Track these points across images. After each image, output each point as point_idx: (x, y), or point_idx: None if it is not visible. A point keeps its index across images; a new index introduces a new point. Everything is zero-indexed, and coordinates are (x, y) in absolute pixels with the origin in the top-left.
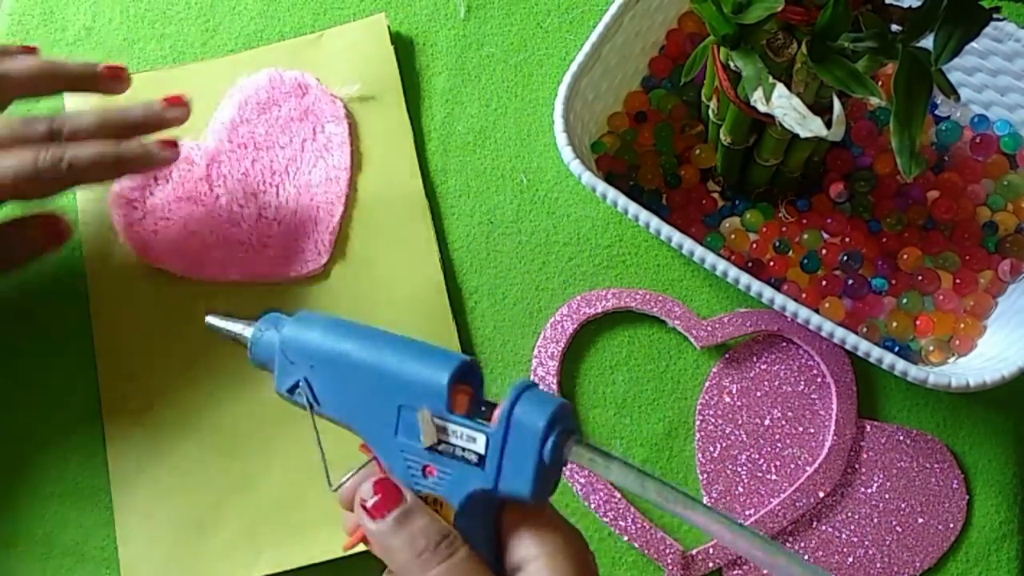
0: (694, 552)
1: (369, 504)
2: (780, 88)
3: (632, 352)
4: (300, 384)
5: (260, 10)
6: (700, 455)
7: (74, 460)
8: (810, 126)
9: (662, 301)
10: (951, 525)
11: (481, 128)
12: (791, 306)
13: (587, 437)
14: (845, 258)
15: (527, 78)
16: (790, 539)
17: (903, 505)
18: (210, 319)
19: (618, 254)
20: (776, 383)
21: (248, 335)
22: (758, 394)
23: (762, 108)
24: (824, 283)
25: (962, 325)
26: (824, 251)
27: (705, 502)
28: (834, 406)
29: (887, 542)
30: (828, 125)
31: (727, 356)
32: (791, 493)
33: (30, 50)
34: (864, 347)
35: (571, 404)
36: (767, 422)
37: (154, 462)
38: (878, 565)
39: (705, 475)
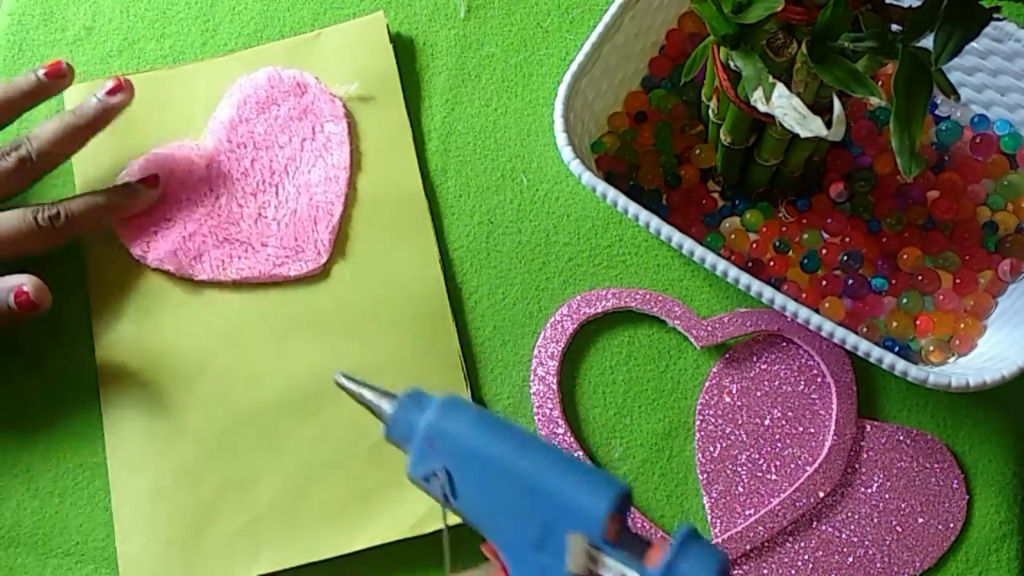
0: None
1: None
2: (780, 88)
3: (632, 352)
4: (438, 474)
5: (260, 10)
6: (700, 455)
7: (73, 459)
8: (810, 126)
9: (662, 301)
10: (951, 525)
11: (481, 128)
12: (791, 306)
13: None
14: (845, 258)
15: (527, 78)
16: (790, 539)
17: (903, 505)
18: (341, 380)
19: (618, 254)
20: (776, 383)
21: (388, 410)
22: (758, 394)
23: (762, 108)
24: (824, 283)
25: (962, 325)
26: (824, 251)
27: (705, 502)
28: (834, 406)
29: (887, 542)
30: (828, 125)
31: (727, 356)
32: (791, 493)
33: (55, 73)
34: (864, 347)
35: (727, 558)
36: (767, 422)
37: (153, 462)
38: (878, 565)
39: (705, 475)
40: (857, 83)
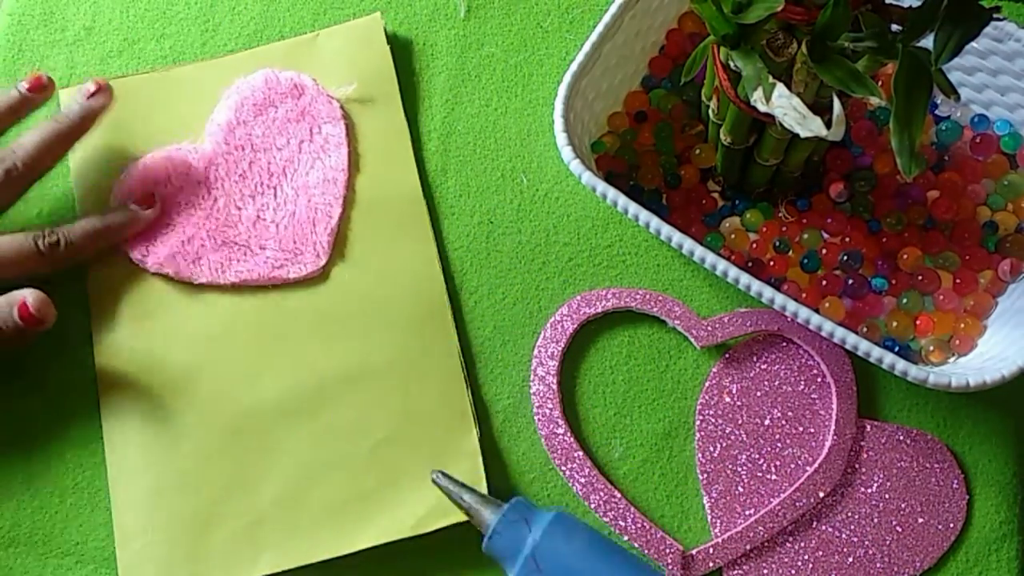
0: (694, 552)
1: None
2: (780, 88)
3: (632, 352)
4: None
5: (260, 10)
6: (700, 455)
7: (73, 460)
8: (810, 126)
9: (662, 301)
10: (951, 525)
11: (481, 128)
12: (791, 306)
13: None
14: (845, 258)
15: (527, 78)
16: (790, 539)
17: (903, 505)
18: (440, 480)
19: (618, 254)
20: (776, 383)
21: (489, 518)
22: (758, 394)
23: (762, 108)
24: (824, 283)
25: (962, 325)
26: (824, 251)
27: (705, 502)
28: (834, 406)
29: (887, 542)
30: (828, 125)
31: (727, 356)
32: (791, 493)
33: (37, 87)
34: (864, 347)
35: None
36: (767, 422)
37: (153, 462)
38: (878, 565)
39: (705, 475)
40: (857, 83)
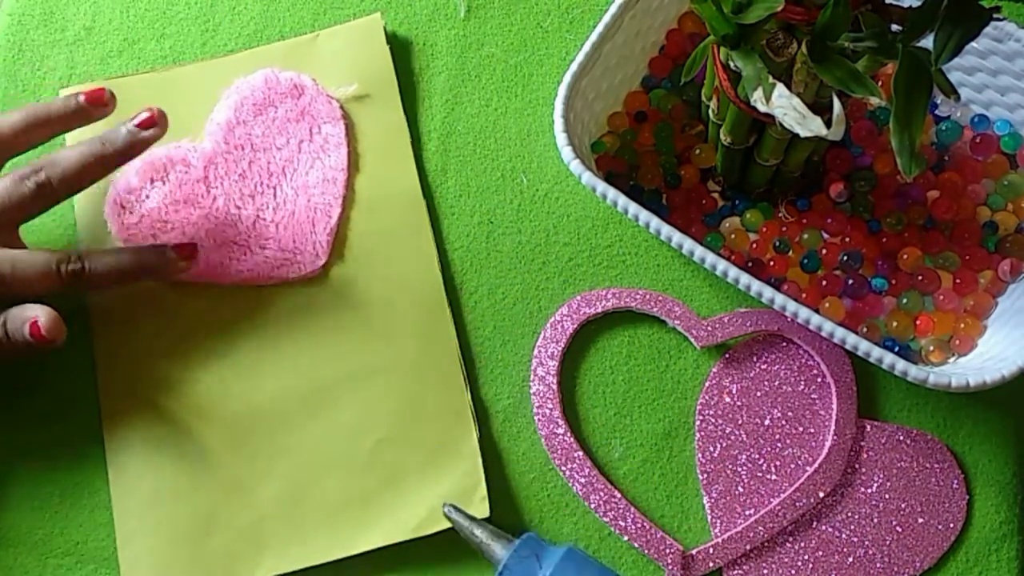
0: (694, 552)
1: None
2: (780, 88)
3: (632, 352)
4: None
5: (260, 10)
6: (700, 455)
7: (73, 460)
8: (810, 126)
9: (662, 301)
10: (951, 525)
11: (481, 128)
12: (791, 306)
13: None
14: (845, 258)
15: (527, 78)
16: (790, 539)
17: (903, 505)
18: (451, 513)
19: (618, 254)
20: (776, 383)
21: (500, 553)
22: (758, 394)
23: (762, 108)
24: (824, 283)
25: (962, 325)
26: (824, 251)
27: (705, 502)
28: (834, 406)
29: (887, 542)
30: (828, 125)
31: (727, 356)
32: (791, 493)
33: (98, 101)
34: (864, 347)
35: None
36: (767, 422)
37: (154, 463)
38: (878, 565)
39: (705, 475)
40: (857, 83)
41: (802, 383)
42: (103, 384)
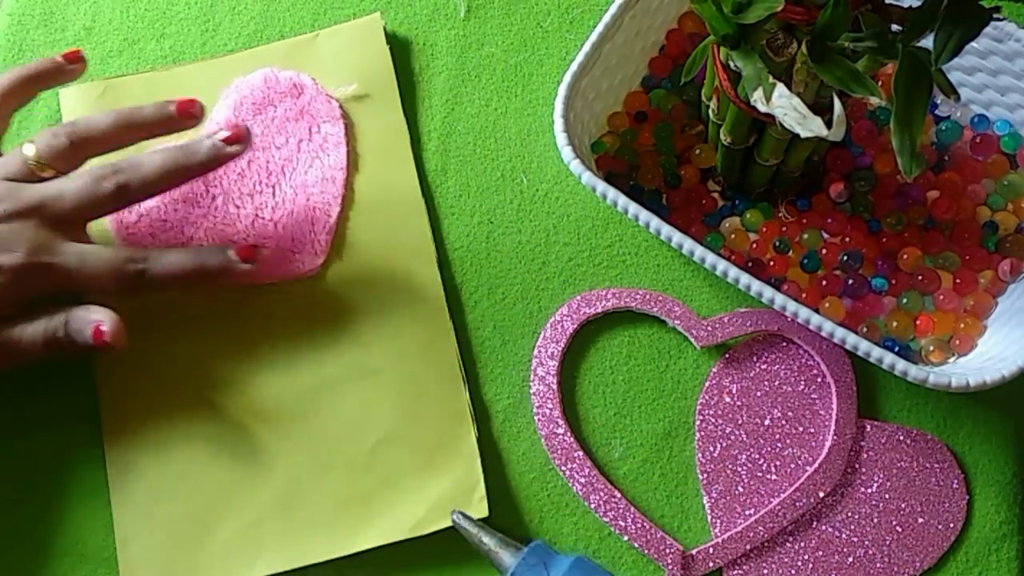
0: (694, 552)
1: None
2: (780, 88)
3: (632, 352)
4: None
5: (260, 10)
6: (700, 455)
7: (72, 460)
8: (810, 126)
9: (662, 301)
10: (951, 525)
11: (481, 128)
12: (791, 306)
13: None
14: (845, 258)
15: (527, 78)
16: (790, 539)
17: (903, 505)
18: (459, 520)
19: (618, 254)
20: (776, 383)
21: (508, 561)
22: (758, 394)
23: (762, 108)
24: (824, 283)
25: (962, 325)
26: (824, 251)
27: (705, 502)
28: (834, 406)
29: (887, 542)
30: (828, 125)
31: (727, 356)
32: (791, 493)
33: (74, 59)
34: (864, 347)
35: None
36: (767, 422)
37: (153, 462)
38: (878, 565)
39: (705, 475)
40: (857, 83)
41: (802, 383)
42: (102, 384)
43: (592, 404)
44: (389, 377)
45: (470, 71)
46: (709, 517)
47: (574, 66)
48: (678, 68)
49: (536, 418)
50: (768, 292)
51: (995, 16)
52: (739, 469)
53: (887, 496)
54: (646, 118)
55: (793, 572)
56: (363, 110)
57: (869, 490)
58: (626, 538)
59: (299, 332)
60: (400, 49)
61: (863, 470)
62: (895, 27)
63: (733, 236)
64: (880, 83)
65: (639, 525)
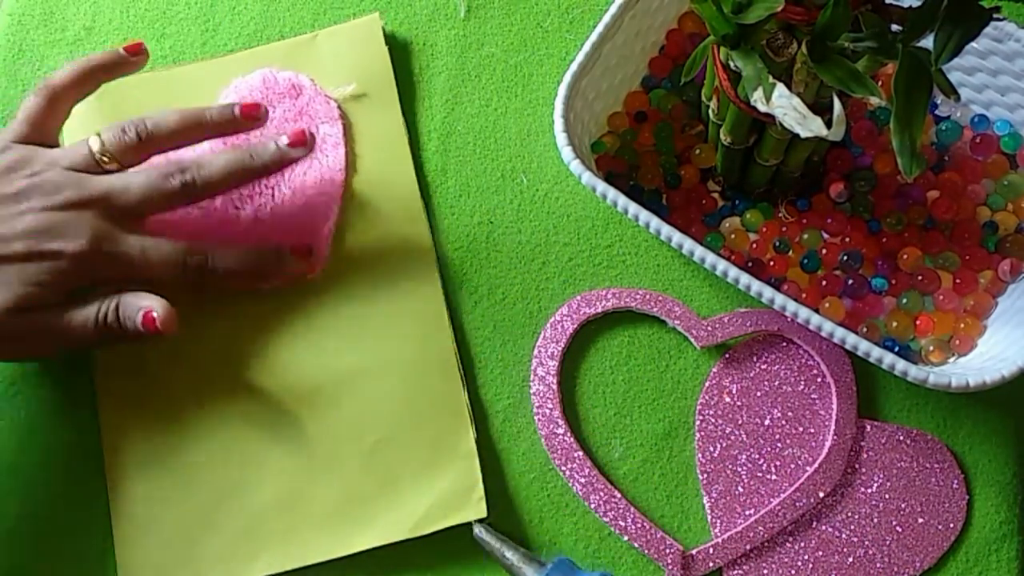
0: (694, 552)
1: None
2: (780, 88)
3: (632, 352)
4: None
5: (260, 10)
6: (700, 455)
7: (71, 460)
8: (810, 126)
9: (662, 301)
10: (951, 525)
11: (481, 128)
12: (791, 306)
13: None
14: (845, 258)
15: (527, 78)
16: (790, 539)
17: (903, 505)
18: (481, 534)
19: (618, 254)
20: (776, 383)
21: None
22: (758, 394)
23: (762, 108)
24: (824, 283)
25: (962, 325)
26: (824, 251)
27: (705, 502)
28: (834, 406)
29: (887, 542)
30: (828, 125)
31: (727, 356)
32: (791, 493)
33: (136, 51)
34: (864, 347)
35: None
36: (767, 422)
37: (151, 462)
38: (878, 565)
39: (705, 475)
40: (857, 83)
41: (802, 383)
42: (101, 384)
43: (592, 404)
44: (388, 377)
45: (470, 71)
46: (709, 517)
47: (574, 66)
48: (678, 68)
49: (536, 418)
50: (768, 292)
51: (995, 16)
52: (739, 469)
53: (887, 496)
54: (646, 118)
55: (793, 572)
56: (362, 110)
57: (869, 490)
58: (626, 538)
59: (298, 333)
60: (400, 49)
61: (863, 470)
62: (895, 27)
63: (733, 236)
64: (880, 83)
65: (639, 525)
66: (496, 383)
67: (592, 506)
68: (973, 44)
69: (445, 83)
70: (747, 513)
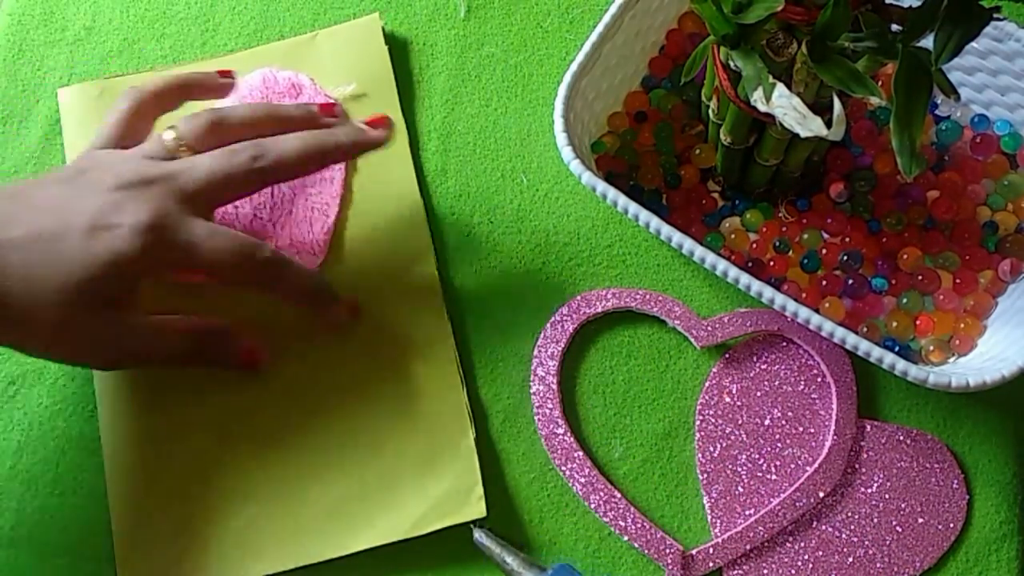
0: (694, 552)
1: None
2: (780, 88)
3: (632, 352)
4: None
5: (260, 10)
6: (700, 455)
7: (71, 460)
8: (810, 126)
9: (662, 301)
10: (951, 525)
11: (481, 128)
12: (791, 306)
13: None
14: (845, 258)
15: (527, 78)
16: (790, 539)
17: (903, 505)
18: (481, 538)
19: (618, 254)
20: (776, 383)
21: None
22: (758, 394)
23: (762, 108)
24: (824, 283)
25: (962, 325)
26: (824, 251)
27: (705, 502)
28: (834, 406)
29: (887, 542)
30: (828, 125)
31: (727, 356)
32: (791, 493)
33: (226, 75)
34: (864, 347)
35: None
36: (767, 422)
37: (151, 461)
38: (878, 565)
39: (705, 475)
40: (857, 83)
41: (802, 383)
42: (100, 384)
43: (592, 404)
44: (387, 377)
45: (470, 71)
46: (709, 517)
47: (574, 66)
48: (678, 68)
49: (536, 418)
50: (768, 292)
51: (995, 16)
52: (739, 469)
53: (887, 496)
54: (646, 118)
55: (793, 572)
56: (362, 110)
57: (869, 490)
58: (626, 538)
59: (297, 332)
60: (400, 49)
61: (863, 470)
62: (895, 27)
63: (733, 236)
64: (880, 83)
65: (639, 525)
66: (496, 383)
67: (592, 506)
68: (973, 44)
69: (445, 83)
70: (747, 513)
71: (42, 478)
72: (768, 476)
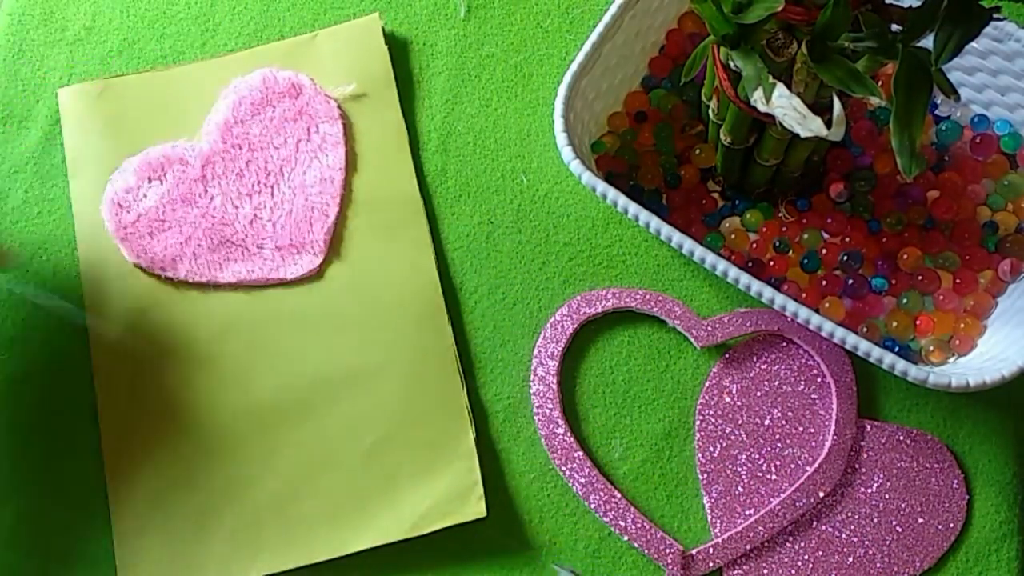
0: (694, 552)
1: None
2: (780, 88)
3: (632, 352)
4: None
5: (259, 10)
6: (700, 455)
7: (71, 460)
8: (810, 126)
9: (662, 301)
10: (951, 525)
11: (481, 128)
12: (791, 306)
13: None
14: (845, 258)
15: (527, 78)
16: (790, 539)
17: (903, 505)
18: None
19: (618, 254)
20: (776, 383)
21: None
22: (758, 394)
23: (762, 108)
24: (824, 283)
25: (962, 325)
26: (824, 251)
27: (705, 502)
28: (834, 406)
29: (887, 542)
30: (828, 125)
31: (727, 356)
32: (791, 493)
33: None
34: (864, 347)
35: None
36: (767, 422)
37: (151, 462)
38: (878, 565)
39: (705, 475)
40: (857, 83)
41: (802, 383)
42: (101, 384)
43: (592, 404)
44: (387, 377)
45: (470, 71)
46: (709, 517)
47: (574, 66)
48: (678, 68)
49: (536, 418)
50: (768, 292)
51: (995, 16)
52: (739, 469)
53: (887, 496)
54: (646, 118)
55: (793, 572)
56: (362, 110)
57: (869, 490)
58: (626, 538)
59: (297, 332)
60: (400, 49)
61: (863, 470)
62: (895, 27)
63: (733, 236)
64: (880, 83)
65: (639, 525)
66: (496, 383)
67: (592, 506)
68: (973, 44)
69: (445, 83)
70: (747, 513)
71: (42, 478)
72: (768, 476)
